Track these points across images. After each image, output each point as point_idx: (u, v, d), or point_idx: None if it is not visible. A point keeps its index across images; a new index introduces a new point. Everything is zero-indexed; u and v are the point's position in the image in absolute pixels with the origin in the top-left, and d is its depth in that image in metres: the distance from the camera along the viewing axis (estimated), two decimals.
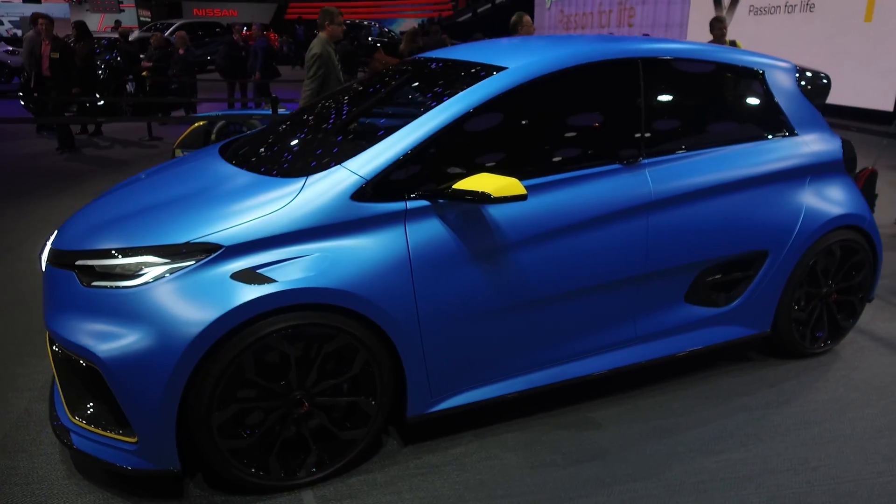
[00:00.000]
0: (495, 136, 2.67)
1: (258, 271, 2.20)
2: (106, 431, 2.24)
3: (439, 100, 2.59)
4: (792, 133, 3.24)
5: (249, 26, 20.68)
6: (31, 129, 10.08)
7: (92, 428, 2.26)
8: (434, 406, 2.57)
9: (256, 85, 11.83)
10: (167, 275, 2.19)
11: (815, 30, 13.47)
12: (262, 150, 2.89)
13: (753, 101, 3.24)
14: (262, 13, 34.08)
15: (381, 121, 2.71)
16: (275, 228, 2.26)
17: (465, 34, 22.08)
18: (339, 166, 2.41)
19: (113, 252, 2.28)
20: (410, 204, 2.41)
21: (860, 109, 11.42)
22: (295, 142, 2.86)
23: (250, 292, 2.15)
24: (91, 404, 2.31)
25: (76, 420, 2.30)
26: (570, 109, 2.84)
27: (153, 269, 2.21)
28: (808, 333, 3.37)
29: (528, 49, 2.92)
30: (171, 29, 16.17)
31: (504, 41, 3.48)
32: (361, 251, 2.32)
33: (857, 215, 3.29)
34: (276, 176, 2.50)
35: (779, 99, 3.24)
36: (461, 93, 2.59)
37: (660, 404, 2.98)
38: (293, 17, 31.35)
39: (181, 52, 9.93)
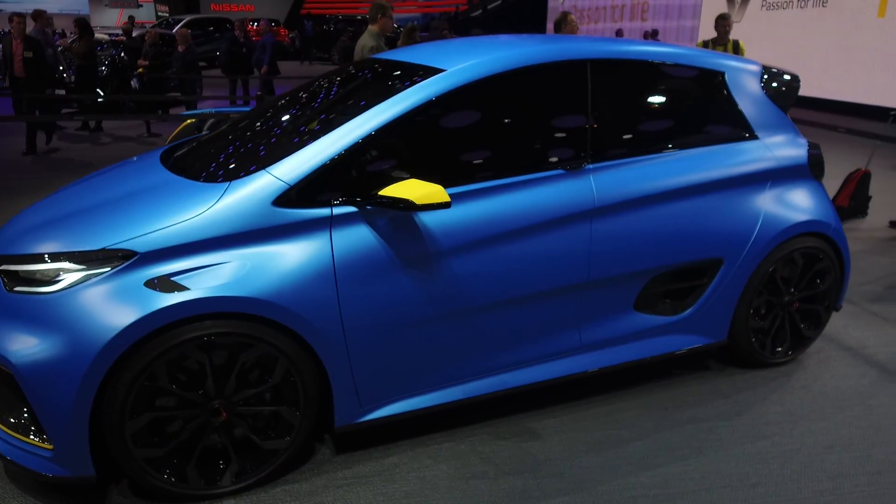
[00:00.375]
0: (429, 141, 2.61)
1: (172, 279, 2.18)
2: (27, 438, 2.24)
3: (372, 104, 2.53)
4: (753, 137, 3.14)
5: (273, 22, 20.80)
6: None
7: (16, 434, 2.26)
8: (364, 416, 2.53)
9: (263, 80, 11.80)
10: (83, 281, 2.17)
11: (828, 25, 13.18)
12: (199, 153, 2.87)
13: (712, 103, 3.14)
14: (278, 8, 34.22)
15: (315, 125, 2.66)
16: (192, 235, 2.23)
17: (485, 30, 22.04)
18: (263, 171, 2.37)
19: (33, 257, 2.27)
20: (336, 210, 2.37)
21: (872, 107, 11.15)
22: (230, 145, 2.82)
23: (162, 300, 2.12)
24: (14, 411, 2.30)
25: (1, 426, 2.29)
26: (512, 113, 2.77)
27: (70, 275, 2.19)
28: (769, 343, 3.28)
29: (472, 51, 2.86)
30: (179, 25, 16.26)
31: (458, 41, 3.42)
32: (282, 258, 2.29)
33: (820, 222, 3.19)
34: (202, 181, 2.47)
35: (740, 102, 3.14)
36: (394, 97, 2.53)
37: (606, 415, 2.92)
38: (308, 12, 31.47)
39: (181, 49, 9.95)
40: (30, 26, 9.05)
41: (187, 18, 16.88)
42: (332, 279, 2.33)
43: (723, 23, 6.97)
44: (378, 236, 2.40)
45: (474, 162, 2.66)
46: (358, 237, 2.38)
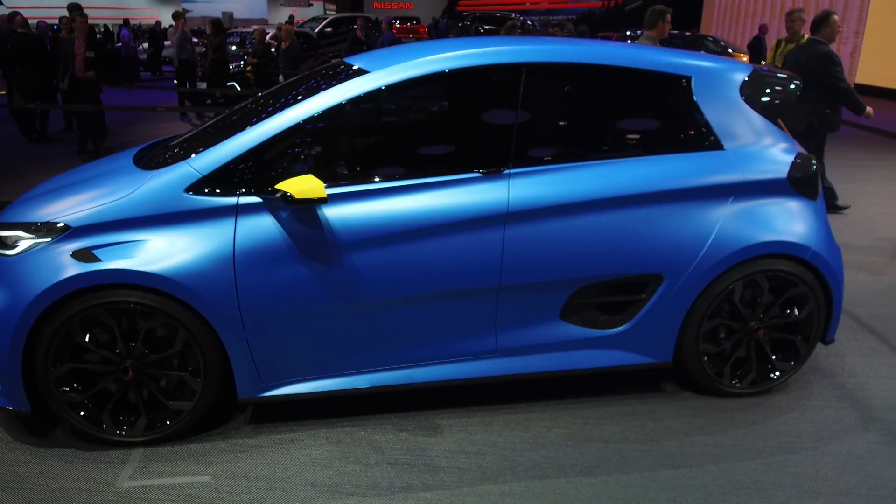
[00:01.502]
0: (342, 139, 2.75)
1: (93, 251, 2.52)
2: None
3: (292, 104, 2.72)
4: (717, 147, 2.91)
5: (412, 20, 21.52)
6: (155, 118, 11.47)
7: None
8: (265, 391, 2.74)
9: None
10: (31, 248, 2.59)
11: None
12: (165, 145, 3.21)
13: (669, 110, 2.97)
14: (436, 6, 35.29)
15: (244, 123, 2.88)
16: (116, 214, 2.57)
17: (621, 26, 21.26)
18: (184, 162, 2.65)
19: (4, 225, 2.73)
20: (242, 200, 2.59)
21: None
22: (186, 139, 3.13)
23: (77, 268, 2.48)
24: None
25: None
26: (433, 115, 2.83)
27: (24, 241, 2.62)
28: (728, 371, 3.04)
29: (405, 54, 2.93)
30: (323, 24, 17.41)
31: (427, 43, 3.48)
32: (187, 240, 2.55)
33: (792, 244, 2.89)
34: (142, 169, 2.80)
35: (705, 108, 2.92)
36: (311, 98, 2.70)
37: (520, 421, 2.89)
38: (464, 10, 32.07)
39: (284, 45, 10.69)
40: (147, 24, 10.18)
41: (331, 17, 18.01)
42: (231, 263, 2.56)
43: (790, 18, 6.27)
44: (280, 227, 2.59)
45: (385, 161, 2.76)
46: (260, 226, 2.58)
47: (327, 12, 34.38)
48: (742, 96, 2.99)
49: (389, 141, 2.79)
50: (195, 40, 12.55)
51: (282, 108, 2.74)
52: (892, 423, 2.91)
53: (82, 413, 2.65)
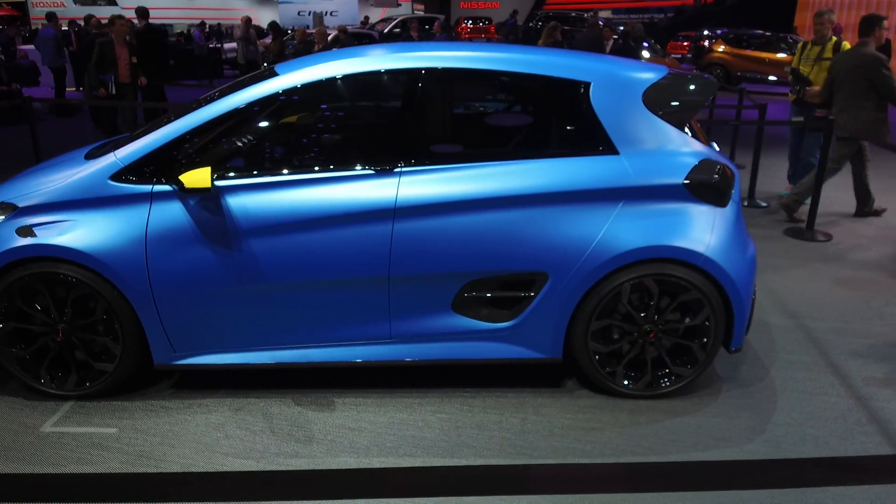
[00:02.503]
0: (248, 136, 3.02)
1: (32, 228, 2.93)
2: None
3: (211, 101, 3.03)
4: (611, 152, 2.97)
5: (484, 20, 21.73)
6: None
7: None
8: (178, 360, 3.07)
9: None
10: None
11: None
12: (119, 139, 3.59)
13: (564, 115, 3.05)
14: (524, 6, 35.25)
15: (175, 118, 3.20)
16: (54, 198, 2.97)
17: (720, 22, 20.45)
18: (112, 153, 3.02)
19: None
20: (157, 188, 2.92)
21: None
22: (132, 134, 3.51)
23: (15, 242, 2.89)
24: None
25: None
26: (334, 115, 3.05)
27: None
28: (620, 371, 3.09)
29: (320, 57, 3.17)
30: (392, 25, 17.92)
31: (360, 48, 3.69)
32: (106, 221, 2.91)
33: (683, 249, 2.91)
34: (86, 160, 3.19)
35: (601, 114, 2.99)
36: (224, 97, 3.00)
37: (410, 405, 3.07)
38: (550, 9, 31.90)
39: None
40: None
41: (400, 18, 18.51)
42: (144, 243, 2.90)
43: (818, 20, 5.96)
44: (187, 214, 2.90)
45: (286, 156, 3.01)
46: (170, 212, 2.91)
47: (415, 12, 35.02)
48: (644, 101, 3.03)
49: (292, 138, 3.05)
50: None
51: (201, 105, 3.05)
52: (778, 438, 2.87)
53: (23, 367, 3.07)
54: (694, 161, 3.01)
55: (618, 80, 3.05)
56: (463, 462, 2.69)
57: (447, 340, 3.08)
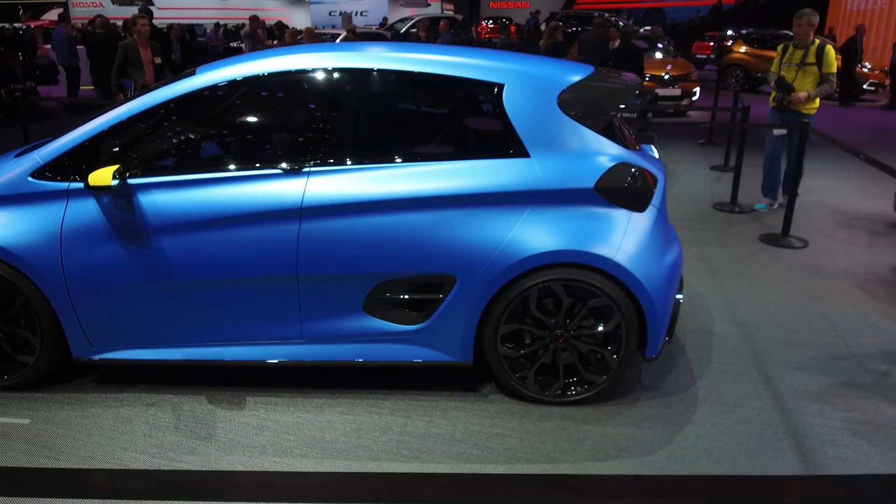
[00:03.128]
0: (163, 134, 3.06)
1: None
2: None
3: (131, 99, 3.08)
4: (522, 154, 2.93)
5: (505, 20, 21.60)
6: None
7: None
8: (95, 355, 3.12)
9: None
10: None
11: None
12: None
13: (476, 116, 3.03)
14: (556, 5, 34.96)
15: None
16: None
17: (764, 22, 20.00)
18: (34, 152, 3.09)
19: None
20: (72, 185, 2.98)
21: None
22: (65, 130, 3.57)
23: None
24: None
25: None
26: (247, 114, 3.08)
27: None
28: (531, 377, 3.05)
29: (242, 58, 3.19)
30: (409, 25, 17.96)
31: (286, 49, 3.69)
32: (24, 217, 2.98)
33: (590, 254, 2.86)
34: (15, 158, 3.26)
35: (513, 116, 2.95)
36: (144, 95, 3.05)
37: (323, 405, 3.08)
38: (581, 9, 31.61)
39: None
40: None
41: (417, 18, 18.48)
42: (59, 239, 2.96)
43: (798, 22, 5.76)
44: (100, 210, 2.95)
45: (198, 155, 3.04)
46: (84, 209, 2.96)
47: (445, 12, 34.93)
48: (559, 104, 2.98)
49: (204, 137, 3.08)
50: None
51: (120, 105, 3.10)
52: (682, 451, 2.80)
53: None
54: (607, 165, 2.95)
55: (532, 82, 3.01)
56: (355, 466, 2.69)
57: (359, 342, 3.07)
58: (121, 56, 7.41)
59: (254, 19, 11.99)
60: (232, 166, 2.99)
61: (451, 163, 2.94)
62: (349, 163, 2.95)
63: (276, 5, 41.37)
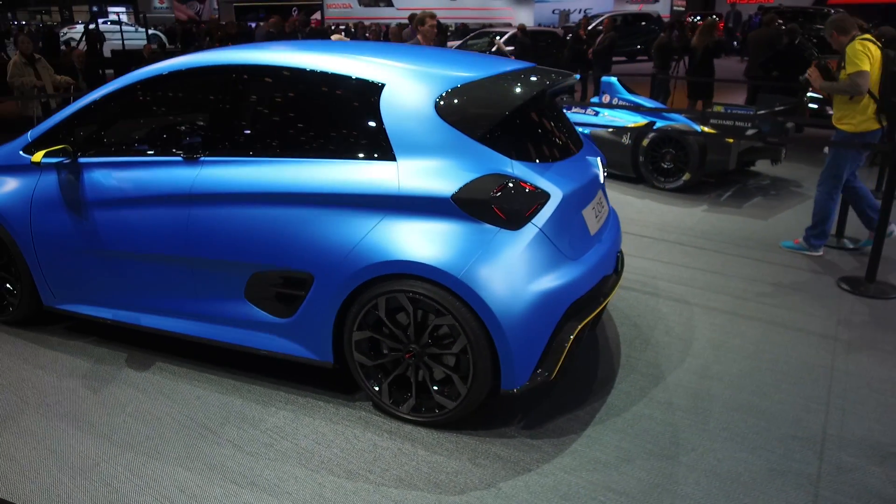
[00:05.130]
0: (102, 120, 3.48)
1: None
2: None
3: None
4: (388, 157, 2.83)
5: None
6: None
7: None
8: (58, 305, 3.66)
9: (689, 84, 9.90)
10: None
11: None
12: None
13: (352, 115, 2.96)
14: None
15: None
16: None
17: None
18: (29, 131, 3.70)
19: None
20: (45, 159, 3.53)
21: None
22: None
23: None
24: None
25: None
26: (171, 105, 3.36)
27: None
28: (385, 388, 2.93)
29: (181, 57, 3.48)
30: (596, 22, 17.34)
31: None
32: (10, 184, 3.61)
33: (431, 267, 2.65)
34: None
35: (386, 116, 2.85)
36: (101, 87, 3.49)
37: (205, 380, 3.28)
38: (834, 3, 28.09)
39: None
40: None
41: (608, 14, 17.75)
42: (30, 205, 3.53)
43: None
44: (56, 183, 3.46)
45: (123, 139, 3.42)
46: (49, 180, 3.49)
47: (675, 8, 32.97)
48: (437, 108, 2.81)
49: (129, 124, 3.45)
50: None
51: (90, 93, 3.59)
52: (482, 499, 2.50)
53: None
54: (474, 175, 2.72)
55: (412, 84, 2.88)
56: (198, 454, 2.84)
57: (240, 327, 3.20)
58: None
59: (412, 18, 12.55)
60: (147, 151, 3.31)
61: (319, 161, 2.93)
62: (233, 155, 3.09)
63: (502, 4, 42.50)
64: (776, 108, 7.00)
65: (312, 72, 3.03)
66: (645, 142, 6.95)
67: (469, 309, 2.66)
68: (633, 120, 7.26)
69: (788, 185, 7.18)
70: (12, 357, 3.53)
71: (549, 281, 2.73)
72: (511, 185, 2.71)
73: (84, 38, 17.47)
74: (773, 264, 4.88)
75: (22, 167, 3.59)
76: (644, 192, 6.93)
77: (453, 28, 25.32)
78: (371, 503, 2.47)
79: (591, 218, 3.13)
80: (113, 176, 3.32)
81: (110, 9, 35.83)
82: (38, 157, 3.34)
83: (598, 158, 3.33)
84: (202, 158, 3.14)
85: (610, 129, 7.26)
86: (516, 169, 2.78)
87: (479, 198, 2.68)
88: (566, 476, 2.61)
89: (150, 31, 27.61)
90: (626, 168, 7.22)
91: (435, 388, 2.86)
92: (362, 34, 16.57)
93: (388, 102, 2.87)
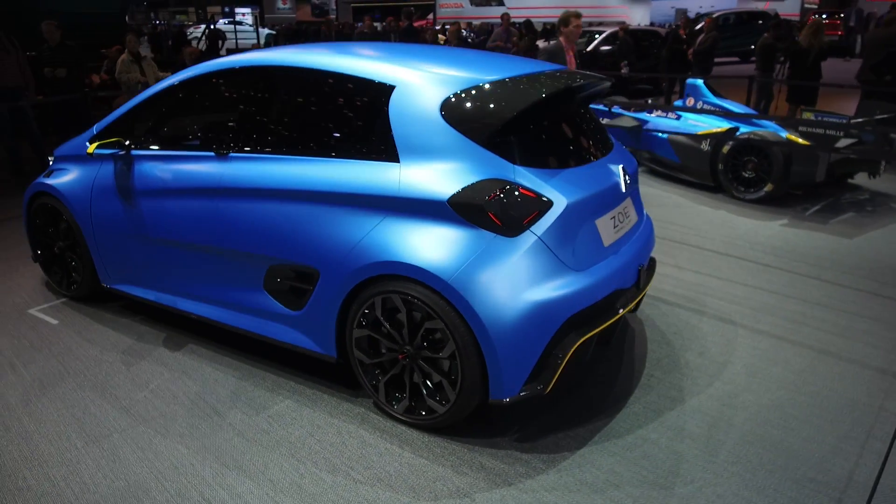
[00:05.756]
0: (152, 115, 3.71)
1: (52, 170, 4.14)
2: None
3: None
4: (393, 159, 2.84)
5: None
6: None
7: None
8: (112, 284, 3.97)
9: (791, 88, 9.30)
10: None
11: None
12: None
13: (363, 116, 2.99)
14: None
15: None
16: (62, 152, 4.13)
17: None
18: (97, 124, 4.04)
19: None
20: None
21: None
22: None
23: (41, 180, 4.13)
24: None
25: None
26: (211, 104, 3.55)
27: None
28: (382, 387, 2.95)
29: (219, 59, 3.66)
30: (700, 24, 16.41)
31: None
32: (77, 171, 3.96)
33: (423, 270, 2.64)
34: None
35: (394, 119, 2.86)
36: (156, 84, 3.75)
37: (220, 365, 3.45)
38: None
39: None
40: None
41: (720, 12, 16.67)
42: (90, 191, 3.86)
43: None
44: (113, 170, 3.75)
45: (173, 134, 3.62)
46: (106, 170, 3.80)
47: (806, 5, 30.79)
48: (443, 111, 2.79)
49: (173, 120, 3.66)
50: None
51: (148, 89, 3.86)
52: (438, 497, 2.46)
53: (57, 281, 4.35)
54: (473, 179, 2.68)
55: (421, 87, 2.87)
56: (197, 435, 3.01)
57: (259, 316, 3.33)
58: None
59: (505, 16, 12.50)
60: (186, 146, 3.52)
61: (328, 160, 2.99)
62: (255, 152, 3.22)
63: (617, 2, 41.36)
64: (875, 117, 6.35)
65: (326, 72, 3.11)
66: (725, 148, 6.54)
67: (458, 314, 2.63)
68: (717, 125, 6.84)
69: (889, 202, 6.51)
70: (67, 329, 3.87)
71: (546, 291, 2.64)
72: (509, 190, 2.65)
73: (204, 37, 18.80)
74: (844, 287, 4.45)
75: (86, 157, 3.92)
76: (720, 201, 6.53)
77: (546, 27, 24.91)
78: (344, 499, 2.50)
79: (608, 228, 3.00)
80: (157, 168, 3.56)
81: (237, 9, 38.29)
82: (91, 148, 3.65)
83: (622, 167, 3.17)
84: (231, 154, 3.29)
85: (690, 135, 6.90)
86: (519, 174, 2.71)
87: (475, 202, 2.64)
88: (546, 495, 2.52)
89: (266, 31, 29.22)
90: (704, 176, 6.83)
91: (425, 391, 2.85)
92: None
93: (397, 104, 2.88)
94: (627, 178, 3.19)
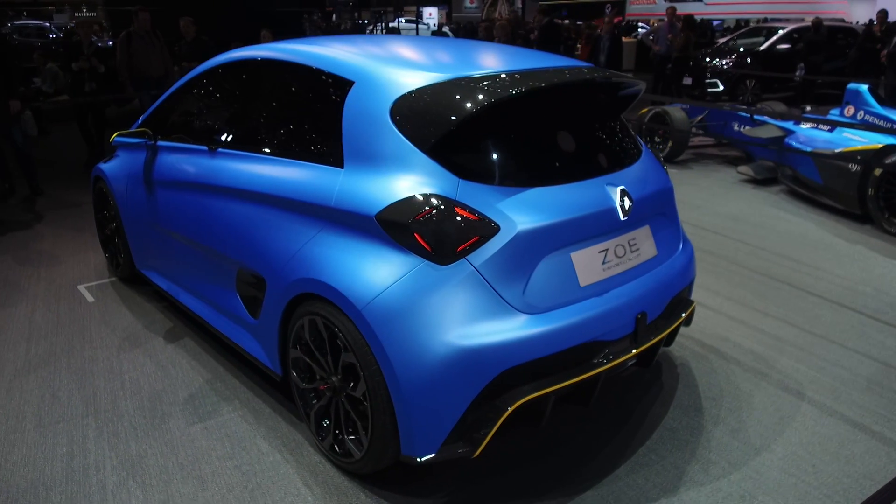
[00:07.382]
0: (170, 108, 3.72)
1: (114, 155, 4.36)
2: None
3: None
4: (338, 165, 2.52)
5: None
6: None
7: None
8: (143, 270, 4.09)
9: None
10: None
11: None
12: None
13: (320, 113, 2.69)
14: None
15: None
16: (118, 140, 4.31)
17: None
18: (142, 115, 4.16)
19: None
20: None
21: None
22: None
23: (100, 164, 4.38)
24: None
25: None
26: (217, 98, 3.47)
27: None
28: (313, 417, 2.65)
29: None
30: (776, 36, 13.55)
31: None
32: (122, 158, 4.12)
33: (335, 291, 2.30)
34: None
35: (345, 119, 2.53)
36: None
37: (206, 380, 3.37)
38: None
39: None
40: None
41: (790, 26, 13.37)
42: (126, 178, 3.99)
43: None
44: (143, 160, 3.84)
45: (184, 127, 3.59)
46: (140, 157, 3.90)
47: None
48: (391, 113, 2.41)
49: (188, 113, 3.61)
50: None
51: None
52: None
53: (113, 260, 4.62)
54: (406, 194, 2.27)
55: (376, 84, 2.51)
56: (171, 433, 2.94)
57: (232, 321, 3.18)
58: None
59: (671, 10, 11.43)
60: (188, 139, 3.48)
61: (281, 161, 2.76)
62: (235, 148, 3.07)
63: None
64: None
65: (289, 64, 2.91)
66: (877, 171, 5.29)
67: (370, 349, 2.25)
68: (875, 141, 5.58)
69: None
70: (96, 308, 4.05)
71: (478, 334, 2.17)
72: (443, 209, 2.20)
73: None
74: None
75: (129, 145, 4.06)
76: (863, 234, 5.30)
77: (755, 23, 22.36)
78: None
79: (592, 264, 2.42)
80: (167, 159, 3.57)
81: (424, 8, 39.55)
82: (113, 137, 3.74)
83: (620, 188, 2.53)
84: (218, 150, 3.17)
85: (837, 151, 5.70)
86: (463, 191, 2.26)
87: (401, 221, 2.23)
88: None
89: (444, 28, 29.83)
90: (850, 202, 5.60)
91: (347, 431, 2.50)
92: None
93: (352, 102, 2.55)
94: (629, 202, 2.55)
